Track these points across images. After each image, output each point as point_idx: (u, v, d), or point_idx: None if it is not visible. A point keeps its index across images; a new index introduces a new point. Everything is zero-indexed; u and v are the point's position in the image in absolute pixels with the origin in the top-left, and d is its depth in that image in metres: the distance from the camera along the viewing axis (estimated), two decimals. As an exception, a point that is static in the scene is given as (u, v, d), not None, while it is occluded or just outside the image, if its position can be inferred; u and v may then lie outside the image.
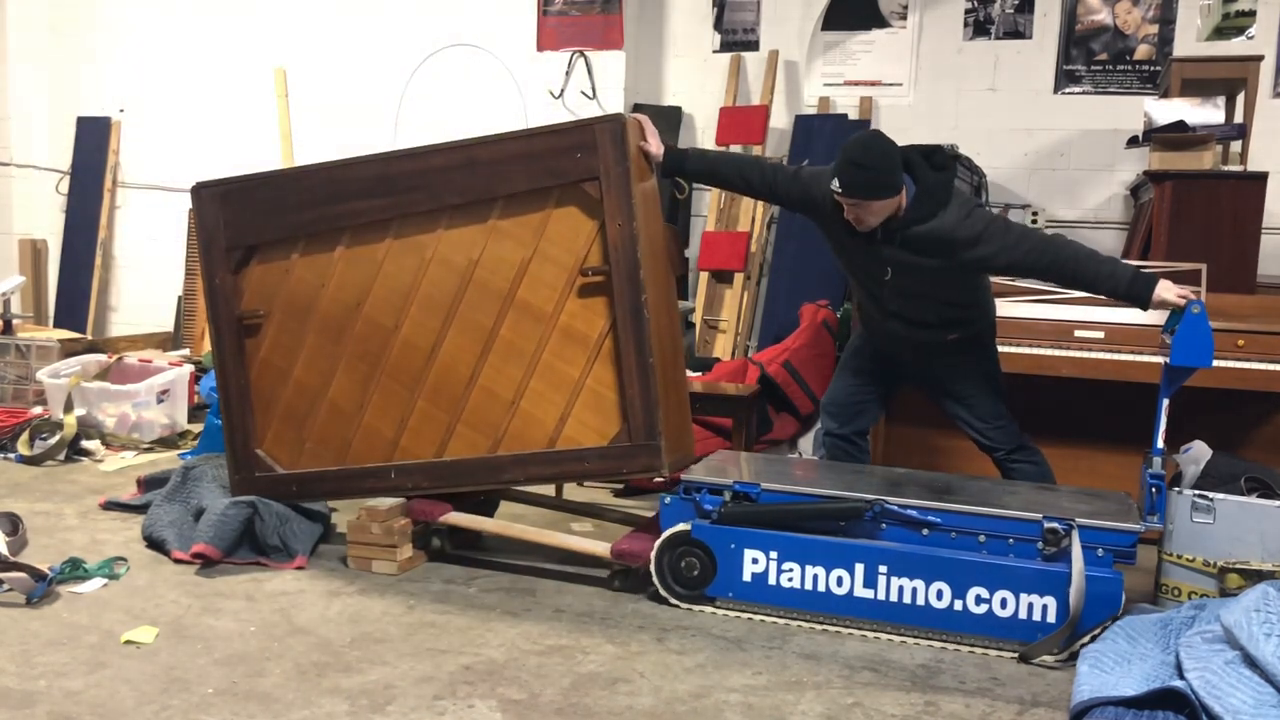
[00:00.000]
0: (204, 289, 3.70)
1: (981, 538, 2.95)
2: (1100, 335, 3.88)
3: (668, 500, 3.19)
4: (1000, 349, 3.93)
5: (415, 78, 6.25)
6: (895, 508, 3.00)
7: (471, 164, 3.31)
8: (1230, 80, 4.70)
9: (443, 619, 3.02)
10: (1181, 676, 2.36)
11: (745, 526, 3.08)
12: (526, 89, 6.05)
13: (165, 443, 4.99)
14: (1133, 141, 4.88)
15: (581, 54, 5.94)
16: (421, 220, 3.40)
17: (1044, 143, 5.50)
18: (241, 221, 3.58)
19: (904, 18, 5.72)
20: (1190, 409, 3.91)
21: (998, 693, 2.66)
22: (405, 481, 3.45)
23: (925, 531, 2.99)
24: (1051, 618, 2.83)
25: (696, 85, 6.04)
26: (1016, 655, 2.86)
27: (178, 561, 3.39)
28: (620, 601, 3.21)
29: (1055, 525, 2.87)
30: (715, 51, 6.02)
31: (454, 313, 3.38)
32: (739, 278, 5.64)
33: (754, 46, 5.95)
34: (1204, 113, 4.53)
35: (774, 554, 3.04)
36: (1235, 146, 4.69)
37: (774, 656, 2.83)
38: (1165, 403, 3.08)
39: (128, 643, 2.80)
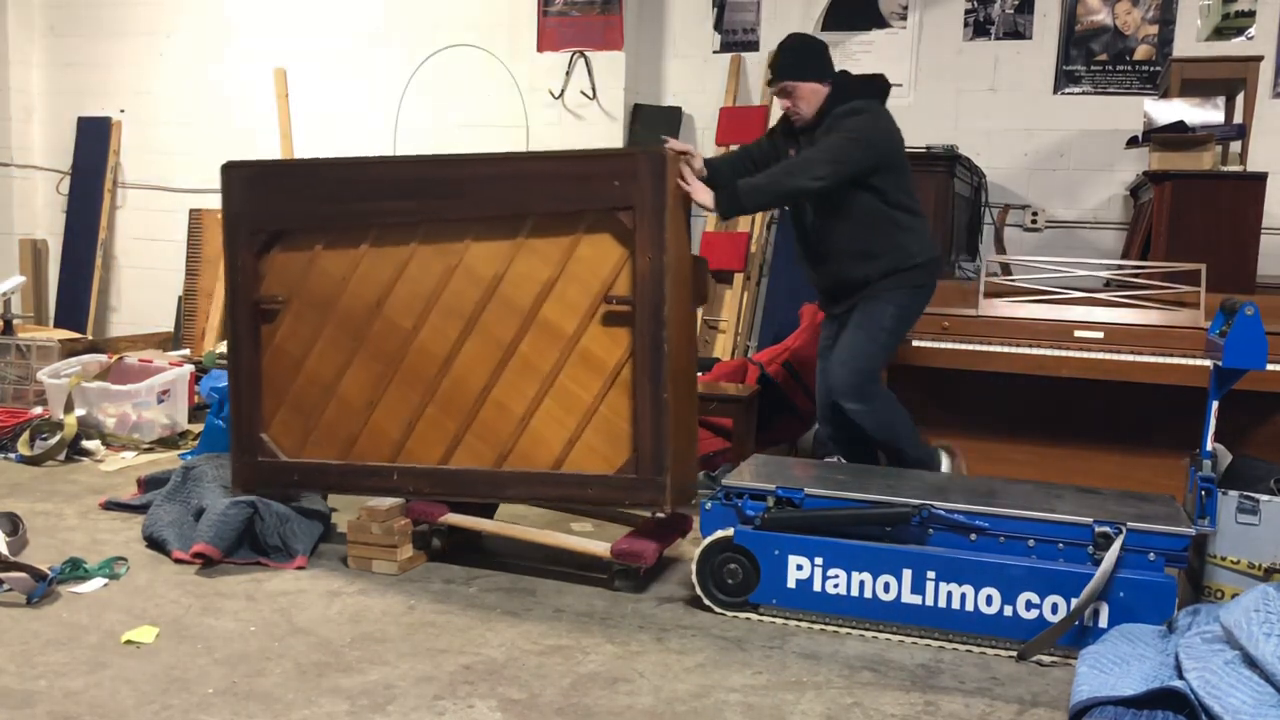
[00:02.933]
0: (225, 269, 3.70)
1: (1031, 542, 2.91)
2: (1100, 335, 3.89)
3: (708, 506, 3.15)
4: (1000, 349, 3.96)
5: (415, 78, 6.25)
6: (943, 512, 2.97)
7: (507, 178, 3.29)
8: (1230, 80, 4.70)
9: (443, 619, 3.03)
10: (1181, 676, 2.36)
11: (789, 532, 3.05)
12: (526, 89, 6.05)
13: (165, 443, 4.99)
14: (1132, 142, 4.88)
15: (581, 54, 5.94)
16: (451, 227, 3.38)
17: (1044, 143, 5.50)
18: (269, 205, 3.56)
19: (904, 18, 5.72)
20: (1191, 409, 3.92)
21: (997, 692, 2.66)
22: (407, 484, 3.45)
23: (973, 536, 2.95)
24: (1104, 623, 2.81)
25: (696, 85, 6.04)
26: (1015, 654, 2.87)
27: (178, 561, 3.39)
28: (620, 601, 3.21)
29: (1107, 529, 2.85)
30: (715, 51, 6.03)
31: (474, 323, 3.37)
32: (739, 278, 5.64)
33: (754, 47, 5.95)
34: (1204, 113, 4.53)
35: (819, 560, 3.00)
36: (1235, 147, 4.69)
37: (774, 656, 2.83)
38: (1215, 405, 3.06)
39: (128, 643, 2.80)
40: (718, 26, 6.02)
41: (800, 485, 3.12)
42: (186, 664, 2.68)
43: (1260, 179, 4.28)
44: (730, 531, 3.10)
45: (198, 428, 4.98)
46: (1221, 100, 4.61)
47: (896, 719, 2.51)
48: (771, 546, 3.05)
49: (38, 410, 5.22)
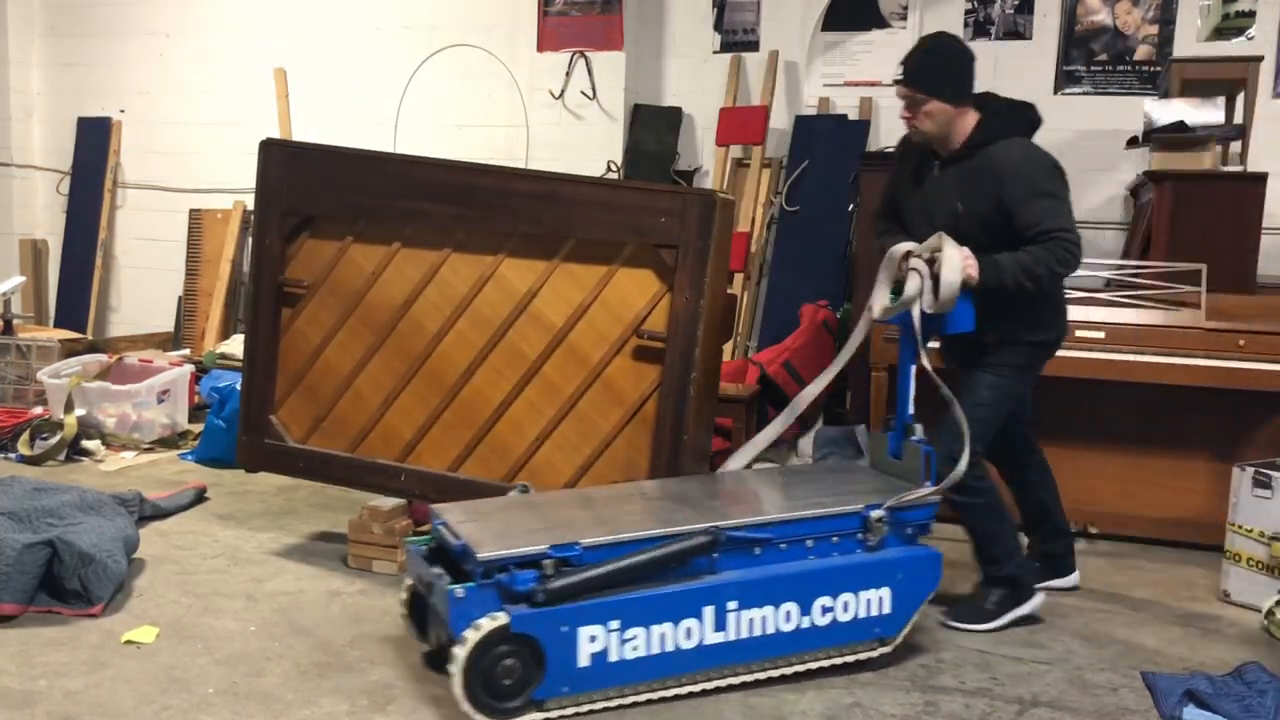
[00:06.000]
0: (252, 246, 3.72)
1: (809, 542, 2.70)
2: (1101, 335, 3.88)
3: (460, 593, 2.40)
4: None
5: (415, 78, 6.24)
6: (737, 532, 2.61)
7: (554, 198, 3.27)
8: (1230, 80, 4.70)
9: (443, 619, 3.02)
10: None
11: (581, 599, 2.44)
12: (526, 89, 6.05)
13: (165, 443, 4.99)
14: (1133, 142, 4.88)
15: (581, 54, 5.93)
16: (488, 238, 3.37)
17: (1044, 143, 5.44)
18: (304, 189, 3.56)
19: (904, 18, 5.71)
20: (1191, 409, 3.92)
21: (997, 693, 2.66)
22: (414, 487, 3.45)
23: (757, 550, 2.65)
24: (887, 608, 2.73)
25: (696, 85, 6.04)
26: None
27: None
28: (620, 601, 3.20)
29: (876, 513, 2.74)
30: (715, 52, 6.02)
31: (501, 336, 3.36)
32: (739, 278, 5.64)
33: (754, 47, 5.95)
34: (1204, 113, 4.53)
35: (615, 624, 2.46)
36: (1235, 147, 4.68)
37: (774, 656, 2.83)
38: (914, 368, 3.01)
39: (128, 643, 2.80)
40: (718, 26, 6.02)
41: (566, 538, 2.49)
42: (186, 664, 2.68)
43: (1260, 179, 4.27)
44: (504, 619, 2.38)
45: (198, 428, 4.98)
46: (1221, 100, 4.60)
47: (896, 719, 2.51)
48: (557, 623, 2.42)
49: (38, 410, 5.22)
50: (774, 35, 5.90)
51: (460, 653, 2.35)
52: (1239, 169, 4.62)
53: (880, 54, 5.74)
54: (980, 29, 5.59)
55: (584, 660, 2.44)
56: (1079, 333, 3.91)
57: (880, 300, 3.04)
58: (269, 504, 4.12)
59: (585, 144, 5.90)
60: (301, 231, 3.60)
